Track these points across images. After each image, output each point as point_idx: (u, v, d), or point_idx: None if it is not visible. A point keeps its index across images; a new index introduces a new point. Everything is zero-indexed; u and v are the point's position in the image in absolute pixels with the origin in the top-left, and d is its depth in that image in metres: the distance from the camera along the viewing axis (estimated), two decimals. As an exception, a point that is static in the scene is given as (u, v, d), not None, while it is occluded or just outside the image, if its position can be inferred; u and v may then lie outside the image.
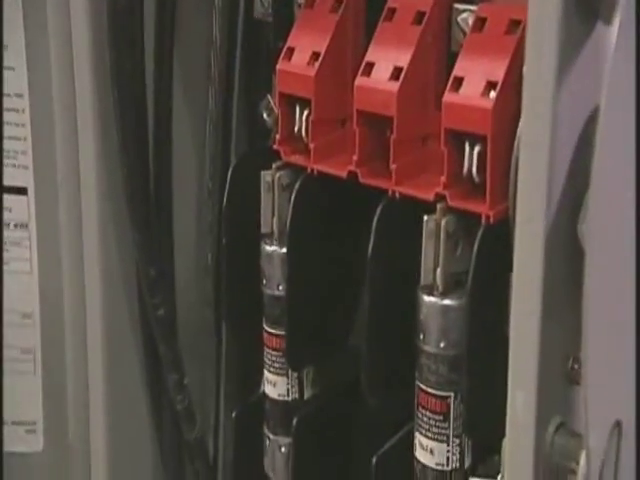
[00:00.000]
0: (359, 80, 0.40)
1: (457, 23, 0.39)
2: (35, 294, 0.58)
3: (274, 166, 0.44)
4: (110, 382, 0.54)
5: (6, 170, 0.57)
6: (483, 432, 0.40)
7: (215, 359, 0.56)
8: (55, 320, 0.57)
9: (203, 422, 0.56)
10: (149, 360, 0.55)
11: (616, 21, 0.28)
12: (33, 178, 0.56)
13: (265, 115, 0.49)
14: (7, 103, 0.56)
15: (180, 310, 0.55)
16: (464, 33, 0.38)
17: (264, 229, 0.46)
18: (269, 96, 0.49)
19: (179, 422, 0.55)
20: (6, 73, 0.55)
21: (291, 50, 0.43)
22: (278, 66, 0.43)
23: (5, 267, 0.58)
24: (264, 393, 0.49)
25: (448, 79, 0.38)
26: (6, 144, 0.56)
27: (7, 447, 0.59)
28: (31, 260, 0.58)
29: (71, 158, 0.53)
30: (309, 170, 0.43)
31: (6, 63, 0.55)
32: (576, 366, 0.35)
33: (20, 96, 0.56)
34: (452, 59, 0.39)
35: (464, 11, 0.39)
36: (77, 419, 0.57)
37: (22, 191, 0.57)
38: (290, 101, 0.43)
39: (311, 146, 0.42)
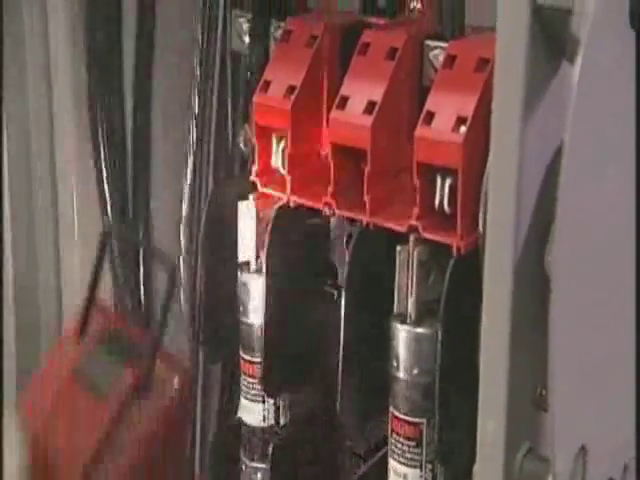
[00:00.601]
0: (334, 113, 0.41)
1: (429, 59, 0.40)
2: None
3: (251, 197, 0.45)
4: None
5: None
6: (455, 458, 0.40)
7: (191, 385, 0.56)
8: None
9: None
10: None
11: (579, 59, 0.29)
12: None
13: (242, 145, 0.50)
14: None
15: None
16: (435, 69, 0.40)
17: (241, 258, 0.47)
18: (246, 126, 0.50)
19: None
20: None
21: (267, 83, 0.44)
22: (255, 98, 0.44)
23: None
24: (240, 419, 0.49)
25: (420, 113, 0.39)
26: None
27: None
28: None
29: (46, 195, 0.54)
30: (285, 200, 0.44)
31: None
32: (544, 392, 0.36)
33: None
34: (423, 94, 0.40)
35: (435, 48, 0.40)
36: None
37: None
38: (267, 133, 0.44)
39: (287, 178, 0.43)
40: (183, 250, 0.54)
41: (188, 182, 0.54)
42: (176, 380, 0.39)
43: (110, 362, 0.39)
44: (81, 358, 0.40)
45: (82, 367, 0.39)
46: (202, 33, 0.51)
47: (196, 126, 0.53)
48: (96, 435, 0.38)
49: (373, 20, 0.44)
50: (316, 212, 0.43)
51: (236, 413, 0.53)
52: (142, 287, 0.55)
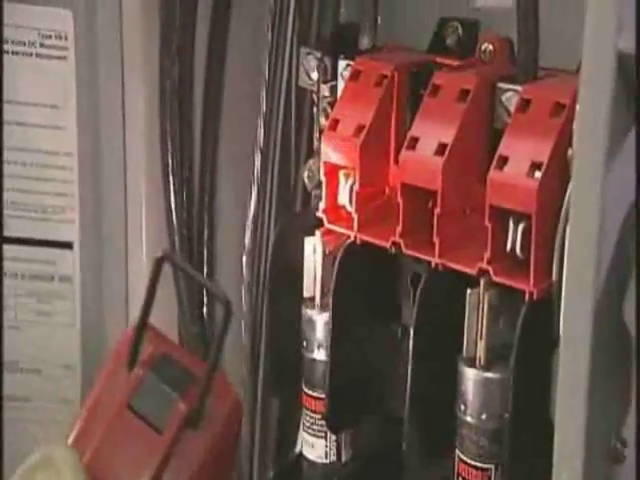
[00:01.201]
0: (404, 154, 0.41)
1: (501, 102, 0.40)
2: (77, 347, 0.60)
3: (318, 232, 0.45)
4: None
5: (52, 225, 0.58)
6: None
7: (250, 417, 0.56)
8: (95, 372, 0.58)
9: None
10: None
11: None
12: (79, 233, 0.58)
13: (306, 180, 0.50)
14: (56, 161, 0.58)
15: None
16: (507, 111, 0.39)
17: (306, 293, 0.47)
18: (311, 161, 0.50)
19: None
20: (56, 132, 0.57)
21: (336, 121, 0.44)
22: (324, 136, 0.44)
23: (48, 319, 0.60)
24: (301, 454, 0.49)
25: (491, 155, 0.39)
26: (53, 200, 0.58)
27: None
28: (74, 313, 0.59)
29: (117, 216, 0.55)
30: (352, 238, 0.44)
31: (57, 123, 0.57)
32: (619, 445, 0.35)
33: (69, 155, 0.58)
34: (494, 136, 0.40)
35: (507, 90, 0.40)
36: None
37: (68, 245, 0.59)
38: (335, 170, 0.44)
39: (355, 215, 0.43)
40: (245, 280, 0.55)
41: (252, 214, 0.54)
42: (227, 410, 0.39)
43: (162, 391, 0.38)
44: (132, 387, 0.38)
45: (134, 396, 0.38)
46: (269, 68, 0.51)
47: (261, 159, 0.53)
48: (150, 469, 0.37)
49: (443, 60, 0.44)
50: (383, 250, 0.43)
51: (294, 448, 0.53)
52: (205, 315, 0.55)
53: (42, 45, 0.56)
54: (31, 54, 0.56)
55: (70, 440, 0.39)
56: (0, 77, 0.54)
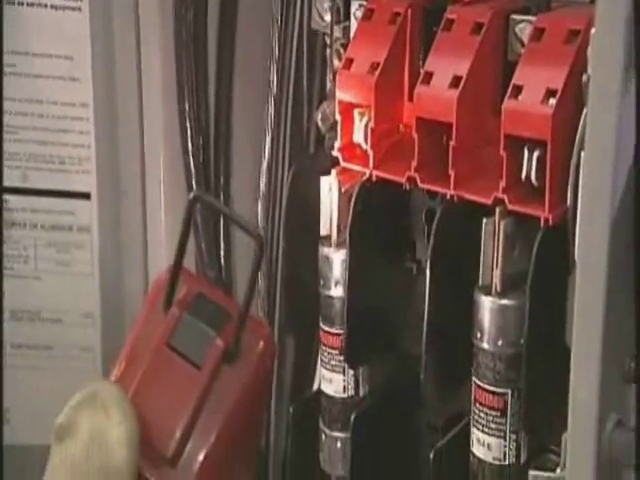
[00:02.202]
0: (419, 88, 0.41)
1: (514, 33, 0.40)
2: (96, 295, 0.61)
3: (334, 171, 0.46)
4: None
5: (70, 176, 0.59)
6: (539, 428, 0.41)
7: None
8: (115, 320, 0.59)
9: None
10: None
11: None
12: (96, 184, 0.59)
13: (320, 122, 0.51)
14: (72, 112, 0.58)
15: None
16: (521, 43, 0.40)
17: (323, 232, 0.48)
18: (324, 104, 0.51)
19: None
20: (71, 84, 0.58)
21: (350, 60, 0.44)
22: (338, 76, 0.45)
23: (67, 269, 0.61)
24: (320, 389, 0.50)
25: (504, 88, 0.39)
26: (70, 151, 0.59)
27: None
28: (92, 263, 0.60)
29: (134, 165, 0.56)
30: (368, 175, 0.45)
31: (72, 74, 0.58)
32: (633, 364, 0.36)
33: (85, 105, 0.58)
34: (509, 68, 0.40)
35: (521, 21, 0.40)
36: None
37: (85, 196, 0.60)
38: (349, 109, 0.45)
39: (370, 152, 0.44)
40: (260, 225, 0.55)
41: (266, 159, 0.55)
42: (261, 345, 0.40)
43: (199, 329, 0.39)
44: (170, 326, 0.39)
45: (172, 335, 0.39)
46: (281, 11, 0.52)
47: (274, 104, 0.54)
48: (190, 402, 0.39)
49: (454, -3, 0.44)
50: (398, 187, 0.44)
51: (312, 385, 0.55)
52: (222, 259, 0.56)
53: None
54: (45, 5, 0.57)
55: (113, 376, 0.40)
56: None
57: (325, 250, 0.48)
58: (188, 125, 0.52)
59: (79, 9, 0.56)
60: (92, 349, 0.62)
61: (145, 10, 0.53)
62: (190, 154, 0.52)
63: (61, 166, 0.59)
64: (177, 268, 0.40)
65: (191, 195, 0.39)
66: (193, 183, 0.54)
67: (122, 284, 0.60)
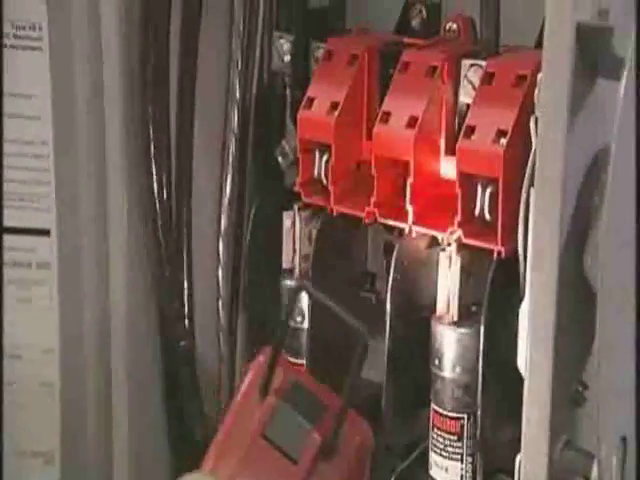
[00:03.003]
0: (378, 127, 0.43)
1: (466, 77, 0.43)
2: (56, 331, 0.61)
3: (296, 206, 0.48)
4: (132, 411, 0.56)
5: (30, 213, 0.59)
6: (493, 451, 0.43)
7: (228, 390, 0.58)
8: (74, 356, 0.59)
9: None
10: (170, 391, 0.58)
11: (623, 77, 0.32)
12: (56, 220, 0.59)
13: (280, 159, 0.52)
14: (32, 149, 0.59)
15: (198, 343, 0.57)
16: (472, 86, 0.42)
17: (286, 265, 0.49)
18: (284, 141, 0.52)
19: (199, 452, 0.57)
20: (31, 122, 0.58)
21: (311, 100, 0.46)
22: (299, 114, 0.47)
23: (27, 305, 0.61)
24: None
25: (457, 127, 0.42)
26: (31, 188, 0.59)
27: (24, 478, 0.61)
28: (52, 298, 0.60)
29: (96, 201, 0.56)
30: (329, 210, 0.46)
31: (32, 112, 0.58)
32: (580, 389, 0.38)
33: (45, 143, 0.59)
34: (461, 109, 0.43)
35: (472, 66, 0.43)
36: (94, 452, 0.59)
37: (45, 233, 0.60)
38: (310, 147, 0.47)
39: (331, 188, 0.46)
40: (222, 260, 0.56)
41: (228, 196, 0.56)
42: (359, 441, 0.39)
43: (296, 421, 0.38)
44: (267, 416, 0.38)
45: (268, 426, 0.38)
46: (241, 52, 0.53)
47: (235, 142, 0.55)
48: None
49: (409, 40, 0.46)
50: (358, 221, 0.46)
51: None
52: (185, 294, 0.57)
53: (16, 36, 0.57)
54: (5, 45, 0.57)
55: (208, 466, 0.39)
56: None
57: (288, 283, 0.49)
58: (152, 164, 0.53)
59: (40, 48, 0.57)
60: (52, 384, 0.62)
61: (107, 50, 0.53)
62: (153, 191, 0.53)
63: (21, 203, 0.60)
64: (277, 355, 0.39)
65: (295, 284, 0.40)
66: (157, 220, 0.54)
67: (82, 320, 0.60)
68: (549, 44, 0.32)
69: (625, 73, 0.31)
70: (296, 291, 0.39)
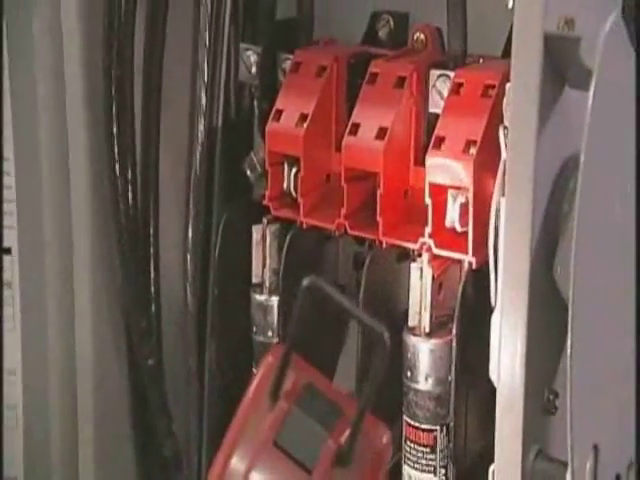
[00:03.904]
0: (347, 139, 0.43)
1: (435, 87, 0.43)
2: (18, 352, 0.59)
3: (265, 220, 0.47)
4: (99, 430, 0.56)
5: (-9, 231, 0.58)
6: (466, 462, 0.43)
7: (197, 406, 0.57)
8: (38, 377, 0.58)
9: (189, 467, 0.57)
10: (138, 408, 0.57)
11: (593, 85, 0.32)
12: (17, 238, 0.58)
13: (248, 172, 0.52)
14: (-6, 167, 0.58)
15: (166, 359, 0.57)
16: (441, 96, 0.42)
17: (255, 279, 0.49)
18: (252, 154, 0.52)
19: (168, 468, 0.56)
20: (-8, 138, 0.57)
21: (279, 112, 0.46)
22: (268, 127, 0.46)
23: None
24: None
25: (426, 138, 0.42)
26: (-8, 206, 0.58)
27: (-14, 503, 0.59)
28: (14, 318, 0.59)
29: (59, 219, 0.55)
30: (299, 223, 0.46)
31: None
32: (552, 397, 0.38)
33: (7, 160, 0.58)
34: (429, 119, 0.42)
35: (440, 76, 0.42)
36: (62, 474, 0.58)
37: (7, 251, 0.59)
38: (279, 160, 0.46)
39: (300, 201, 0.46)
40: (190, 274, 0.56)
41: (194, 209, 0.55)
42: (378, 446, 0.37)
43: (310, 427, 0.35)
44: (278, 422, 0.36)
45: (280, 432, 0.35)
46: (207, 65, 0.53)
47: (201, 153, 0.54)
48: None
49: (377, 51, 0.46)
50: (328, 233, 0.45)
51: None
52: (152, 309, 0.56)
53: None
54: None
55: (214, 476, 0.36)
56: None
57: (257, 297, 0.49)
58: (117, 180, 0.52)
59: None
60: (15, 407, 0.61)
61: (70, 63, 0.53)
62: (118, 206, 0.53)
63: (-18, 221, 0.58)
64: (288, 354, 0.36)
65: (305, 282, 0.36)
66: (122, 235, 0.54)
67: (45, 340, 0.59)
68: (517, 54, 0.32)
69: (593, 83, 0.31)
70: (306, 290, 0.35)
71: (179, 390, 0.57)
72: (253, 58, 0.50)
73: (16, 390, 0.59)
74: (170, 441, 0.56)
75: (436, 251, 0.41)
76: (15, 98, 0.55)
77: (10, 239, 0.58)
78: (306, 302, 0.35)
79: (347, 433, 0.35)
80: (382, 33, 0.48)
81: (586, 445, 0.36)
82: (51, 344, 0.58)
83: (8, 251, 0.58)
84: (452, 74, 0.42)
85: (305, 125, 0.45)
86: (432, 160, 0.40)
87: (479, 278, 0.41)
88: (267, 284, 0.48)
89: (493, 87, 0.39)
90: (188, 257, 0.56)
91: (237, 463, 0.36)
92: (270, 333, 0.48)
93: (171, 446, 0.56)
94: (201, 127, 0.54)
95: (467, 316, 0.41)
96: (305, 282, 0.35)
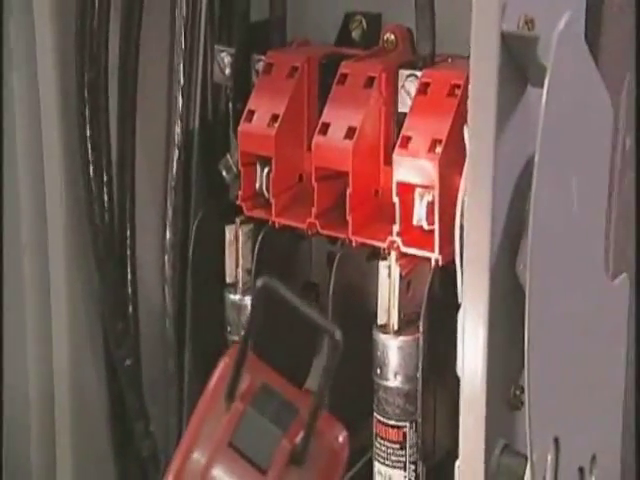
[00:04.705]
0: (317, 139, 0.43)
1: (403, 87, 0.43)
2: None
3: (237, 220, 0.48)
4: (77, 433, 0.56)
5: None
6: (436, 458, 0.43)
7: (177, 406, 0.58)
8: (17, 379, 0.58)
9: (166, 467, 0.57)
10: (115, 409, 0.57)
11: (546, 82, 0.32)
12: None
13: (224, 173, 0.52)
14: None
15: (144, 360, 0.57)
16: (409, 95, 0.43)
17: (229, 279, 0.49)
18: (228, 155, 0.52)
19: (146, 468, 0.57)
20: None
21: (251, 112, 0.46)
22: (240, 127, 0.47)
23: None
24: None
25: (395, 136, 0.42)
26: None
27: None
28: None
29: (36, 223, 0.56)
30: (271, 223, 0.46)
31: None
32: (518, 392, 0.39)
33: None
34: (399, 119, 0.43)
35: (409, 76, 0.43)
36: (41, 471, 0.58)
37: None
38: (251, 160, 0.47)
39: (272, 201, 0.46)
40: (168, 276, 0.56)
41: (171, 210, 0.56)
42: (333, 446, 0.37)
43: (264, 427, 0.35)
44: (233, 423, 0.36)
45: (235, 433, 0.36)
46: (183, 68, 0.53)
47: (178, 155, 0.55)
48: None
49: (350, 51, 0.47)
50: (301, 232, 0.46)
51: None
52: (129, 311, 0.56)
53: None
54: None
55: (171, 475, 0.36)
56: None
57: (231, 297, 0.49)
58: (91, 182, 0.52)
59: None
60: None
61: (43, 66, 0.53)
62: (93, 207, 0.53)
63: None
64: (242, 357, 0.36)
65: (259, 283, 0.35)
66: (99, 236, 0.54)
67: (25, 343, 0.59)
68: (476, 54, 0.32)
69: (547, 81, 0.31)
70: (260, 291, 0.35)
71: (157, 391, 0.57)
72: (227, 60, 0.51)
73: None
74: (148, 442, 0.56)
75: (404, 249, 0.41)
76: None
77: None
78: (260, 302, 0.35)
79: (302, 433, 0.35)
80: (355, 34, 0.48)
81: (546, 438, 0.36)
82: (30, 346, 0.58)
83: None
84: (420, 74, 0.42)
85: (276, 125, 0.45)
86: (399, 159, 0.41)
87: (447, 276, 0.41)
88: (240, 284, 0.48)
89: (459, 87, 0.40)
90: (166, 258, 0.56)
91: (194, 463, 0.36)
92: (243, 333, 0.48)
93: (149, 446, 0.56)
94: (178, 129, 0.54)
95: (435, 313, 0.41)
96: (259, 283, 0.35)
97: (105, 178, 0.53)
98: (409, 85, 0.43)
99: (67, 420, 0.55)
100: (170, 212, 0.56)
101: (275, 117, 0.45)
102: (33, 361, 0.57)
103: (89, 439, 0.57)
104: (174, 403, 0.57)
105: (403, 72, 0.43)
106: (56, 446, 0.56)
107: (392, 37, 0.45)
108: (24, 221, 0.57)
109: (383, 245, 0.42)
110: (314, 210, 0.44)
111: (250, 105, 0.47)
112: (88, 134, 0.52)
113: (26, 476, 0.58)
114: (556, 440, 0.36)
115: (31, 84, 0.53)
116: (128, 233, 0.56)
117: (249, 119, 0.46)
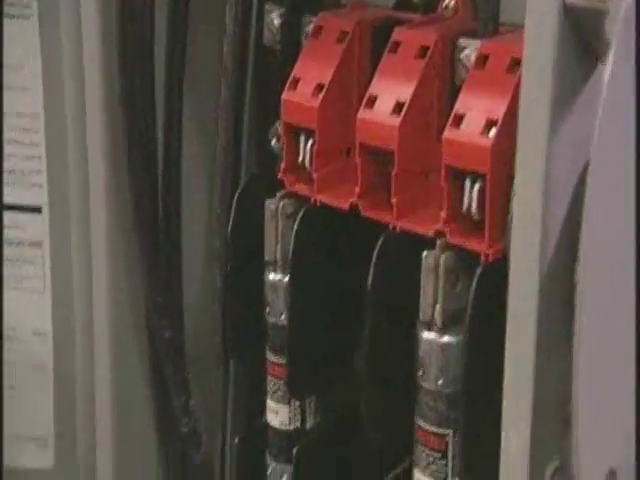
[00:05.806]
0: (362, 113, 0.40)
1: (459, 59, 0.38)
2: (47, 312, 0.59)
3: (278, 195, 0.44)
4: (117, 403, 0.55)
5: (21, 189, 0.57)
6: (481, 472, 0.39)
7: (222, 384, 0.56)
8: (66, 337, 0.58)
9: (210, 446, 0.56)
10: (156, 382, 0.55)
11: (609, 60, 0.27)
12: (47, 197, 0.57)
13: (274, 141, 0.49)
14: (23, 123, 0.57)
15: (189, 335, 0.55)
16: (466, 69, 0.38)
17: (267, 257, 0.46)
18: (278, 123, 0.49)
19: (184, 444, 0.55)
20: (21, 93, 0.56)
21: (296, 80, 0.43)
22: (283, 96, 0.43)
23: (18, 285, 0.59)
24: (266, 421, 0.49)
25: (450, 113, 0.38)
26: (21, 164, 0.57)
27: (18, 462, 0.60)
28: (44, 278, 0.59)
29: (84, 177, 0.54)
30: (312, 200, 0.43)
31: (22, 84, 0.56)
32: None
33: (36, 116, 0.56)
34: (454, 93, 0.38)
35: (467, 47, 0.38)
36: (86, 437, 0.58)
37: (37, 210, 0.58)
38: (294, 131, 0.43)
39: (314, 176, 0.42)
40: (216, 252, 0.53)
41: (220, 180, 0.53)
42: None
43: None
44: None
45: None
46: (234, 28, 0.50)
47: (227, 122, 0.52)
48: None
49: (407, 16, 0.42)
50: (343, 212, 0.42)
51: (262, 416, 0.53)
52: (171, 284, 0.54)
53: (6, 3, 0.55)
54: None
55: None
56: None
57: (270, 276, 0.46)
58: (135, 144, 0.50)
59: (28, 17, 0.55)
60: (43, 368, 0.61)
61: (87, 23, 0.50)
62: (136, 174, 0.51)
63: (11, 179, 0.58)
64: None
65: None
66: (142, 201, 0.52)
67: (73, 301, 0.58)
68: (530, 28, 0.28)
69: (610, 58, 0.26)
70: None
71: (201, 368, 0.55)
72: (277, 21, 0.47)
73: (45, 350, 0.59)
74: (187, 418, 0.54)
75: (450, 240, 0.37)
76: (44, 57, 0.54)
77: (40, 198, 0.57)
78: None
79: None
80: (417, -4, 0.43)
81: (600, 468, 0.32)
82: (77, 308, 0.57)
83: (39, 210, 0.58)
84: (478, 44, 0.37)
85: (321, 96, 0.41)
86: (448, 140, 0.36)
87: (497, 271, 0.37)
88: (279, 262, 0.45)
89: (520, 61, 0.35)
90: (213, 234, 0.53)
91: None
92: (281, 314, 0.45)
93: (188, 423, 0.54)
94: (227, 92, 0.51)
95: (483, 312, 0.37)
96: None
97: (151, 142, 0.51)
98: (466, 58, 0.38)
99: (107, 384, 0.55)
100: (218, 182, 0.53)
101: (320, 86, 0.42)
102: (81, 325, 0.56)
103: (130, 410, 0.56)
104: (219, 380, 0.55)
105: (461, 42, 0.38)
106: (95, 410, 0.55)
107: (452, 3, 0.40)
108: (72, 176, 0.55)
109: (429, 234, 0.38)
110: (357, 189, 0.41)
111: (295, 72, 0.43)
112: (133, 95, 0.49)
113: (72, 434, 0.57)
114: (613, 472, 0.32)
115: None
116: (173, 203, 0.54)
117: (293, 87, 0.43)
